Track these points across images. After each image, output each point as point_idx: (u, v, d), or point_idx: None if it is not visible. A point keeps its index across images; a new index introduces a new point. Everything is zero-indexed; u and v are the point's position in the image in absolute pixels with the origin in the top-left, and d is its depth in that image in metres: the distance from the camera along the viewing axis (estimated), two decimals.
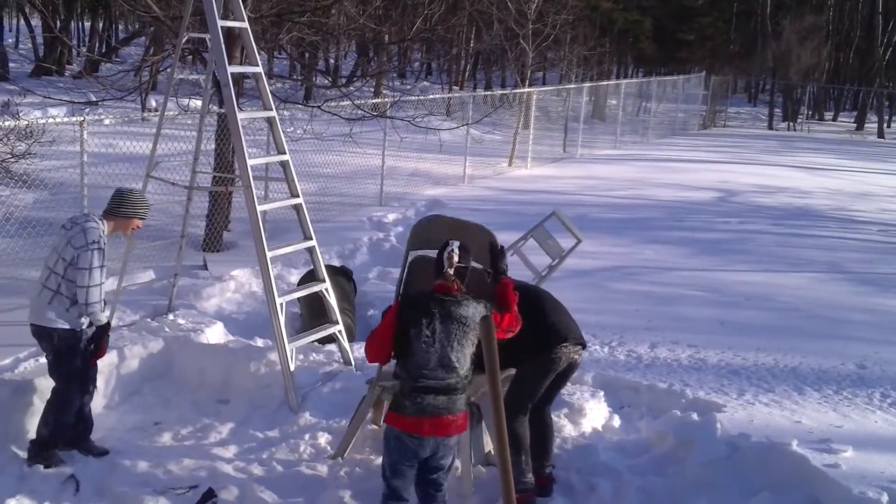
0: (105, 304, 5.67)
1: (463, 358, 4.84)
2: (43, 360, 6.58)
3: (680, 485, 5.65)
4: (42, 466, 5.60)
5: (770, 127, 36.32)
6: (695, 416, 6.27)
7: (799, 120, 37.59)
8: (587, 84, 26.40)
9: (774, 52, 39.33)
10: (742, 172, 20.23)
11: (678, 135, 29.72)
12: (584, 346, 5.80)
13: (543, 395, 5.70)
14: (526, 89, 21.56)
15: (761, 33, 42.82)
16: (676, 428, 6.18)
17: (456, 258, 4.99)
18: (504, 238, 9.20)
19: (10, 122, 9.01)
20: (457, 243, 5.09)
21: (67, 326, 5.55)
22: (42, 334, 5.64)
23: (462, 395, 4.88)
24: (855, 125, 38.41)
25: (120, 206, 5.81)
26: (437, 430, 4.77)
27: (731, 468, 5.65)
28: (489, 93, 27.80)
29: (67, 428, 5.70)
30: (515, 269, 8.41)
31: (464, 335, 4.82)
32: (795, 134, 34.29)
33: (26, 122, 9.52)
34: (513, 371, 5.72)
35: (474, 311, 4.86)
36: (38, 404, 6.15)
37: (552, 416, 6.03)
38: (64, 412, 5.64)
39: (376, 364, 7.15)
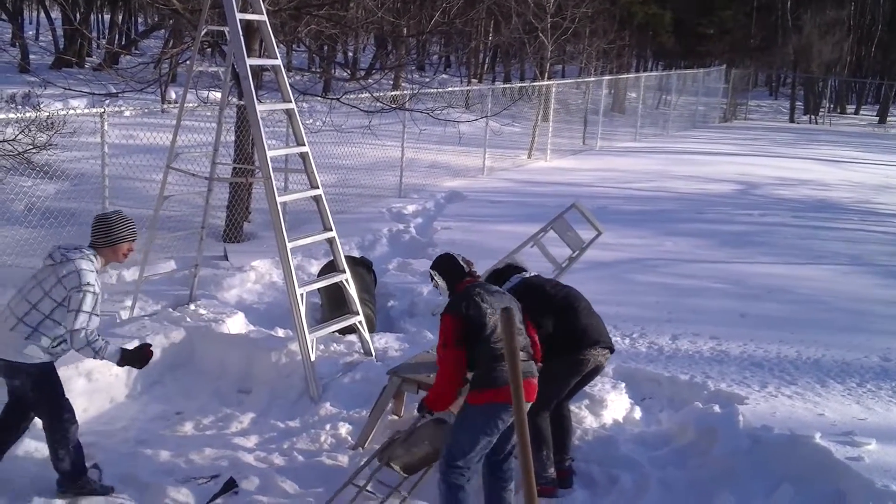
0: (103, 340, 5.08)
1: (521, 325, 5.07)
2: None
3: (701, 477, 5.62)
4: (89, 494, 5.29)
5: (791, 120, 36.08)
6: (717, 409, 6.22)
7: (821, 113, 37.30)
8: (607, 77, 26.25)
9: (795, 46, 39.01)
10: (763, 165, 20.10)
11: (699, 128, 29.57)
12: (612, 351, 5.80)
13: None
14: (545, 82, 21.49)
15: (782, 27, 42.48)
16: (698, 420, 6.14)
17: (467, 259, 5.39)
18: (524, 230, 9.23)
19: (31, 114, 9.05)
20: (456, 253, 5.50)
21: (45, 360, 5.05)
22: (15, 370, 5.03)
23: (532, 361, 5.01)
24: (877, 118, 38.05)
25: (107, 235, 5.21)
26: (525, 395, 4.66)
27: (753, 460, 5.61)
28: (508, 85, 27.73)
29: (81, 448, 5.28)
30: (536, 261, 8.45)
31: (511, 304, 5.08)
32: (817, 127, 34.03)
33: (47, 114, 9.57)
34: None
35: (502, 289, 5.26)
36: None
37: (571, 409, 6.02)
38: (70, 439, 5.18)
39: (398, 354, 7.21)
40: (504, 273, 6.08)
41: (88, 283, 4.88)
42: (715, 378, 7.02)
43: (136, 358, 5.28)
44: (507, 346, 3.22)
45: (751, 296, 9.41)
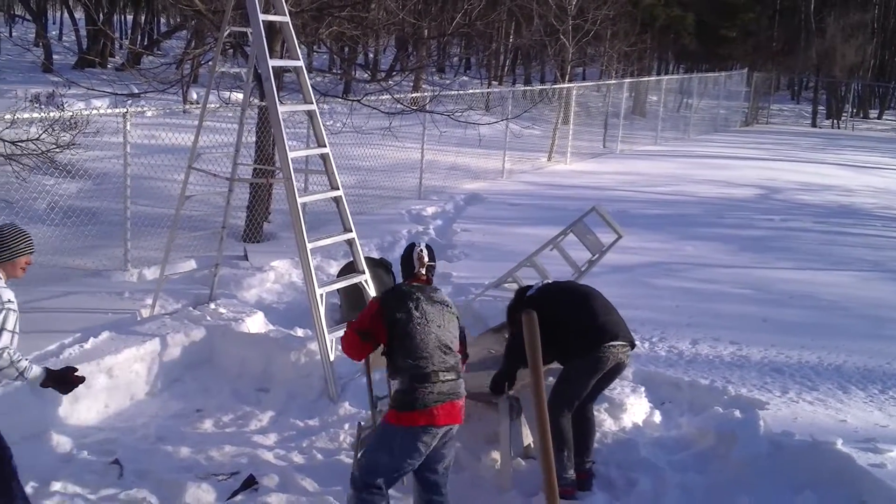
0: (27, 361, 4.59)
1: (456, 341, 4.84)
2: (87, 345, 6.68)
3: (721, 482, 5.58)
4: None
5: (814, 124, 35.84)
6: (737, 414, 6.18)
7: (843, 117, 37.05)
8: (628, 80, 26.18)
9: (818, 49, 38.75)
10: (785, 170, 19.99)
11: (720, 131, 29.45)
12: (632, 346, 5.76)
13: (588, 392, 5.67)
14: (566, 85, 21.46)
15: (805, 30, 42.23)
16: (718, 425, 6.10)
17: (426, 258, 5.15)
18: (544, 233, 9.21)
19: (55, 113, 9.12)
20: (424, 244, 5.27)
21: None
22: None
23: (462, 380, 4.75)
24: None
25: (4, 250, 4.67)
26: (451, 417, 4.61)
27: (773, 466, 5.58)
28: (529, 88, 27.70)
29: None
30: (555, 264, 8.44)
31: (450, 319, 4.84)
32: (839, 132, 33.80)
33: (71, 113, 9.65)
34: (554, 366, 5.70)
35: (449, 299, 4.99)
36: (82, 389, 6.18)
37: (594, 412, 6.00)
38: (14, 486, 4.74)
39: None
40: (520, 295, 6.09)
41: (9, 301, 4.50)
42: (735, 383, 6.99)
43: (61, 380, 4.78)
44: (529, 350, 3.20)
45: (772, 301, 9.36)
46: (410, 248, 5.22)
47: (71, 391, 4.91)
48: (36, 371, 4.60)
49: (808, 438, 5.77)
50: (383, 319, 4.73)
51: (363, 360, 5.12)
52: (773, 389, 6.89)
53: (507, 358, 5.86)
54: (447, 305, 4.89)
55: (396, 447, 4.59)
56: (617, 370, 5.69)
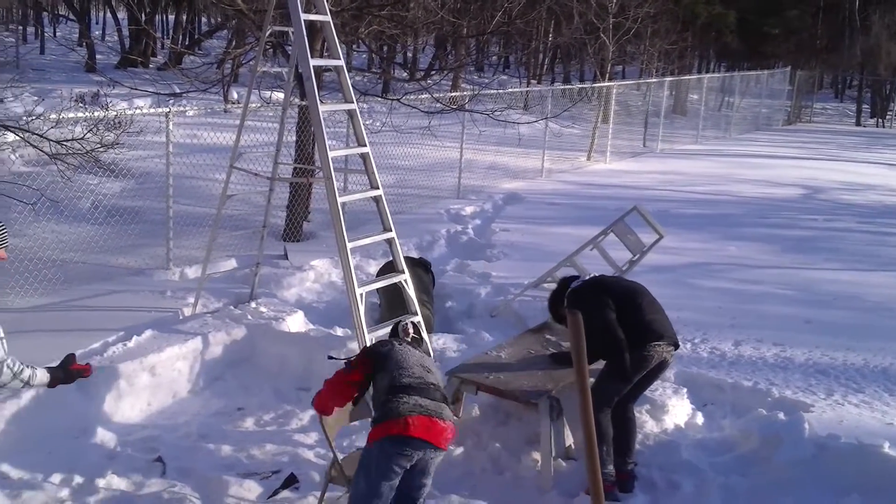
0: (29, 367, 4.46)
1: (438, 373, 4.90)
2: (131, 343, 6.76)
3: (764, 485, 5.51)
4: None
5: (858, 123, 35.26)
6: (781, 416, 6.11)
7: (888, 116, 36.40)
8: (668, 78, 25.96)
9: (863, 47, 38.16)
10: (828, 169, 19.68)
11: (762, 130, 29.10)
12: (676, 347, 5.72)
13: (630, 391, 5.63)
14: (606, 83, 21.33)
15: (849, 27, 41.61)
16: (762, 427, 6.03)
17: (410, 331, 5.23)
18: (584, 233, 9.16)
19: (99, 113, 9.23)
20: (410, 319, 5.57)
21: None
22: None
23: (447, 406, 4.65)
24: None
25: None
26: (427, 432, 4.43)
27: (818, 469, 5.50)
28: (569, 86, 27.58)
29: None
30: (595, 264, 8.38)
31: (435, 367, 4.96)
32: (884, 130, 33.22)
33: (115, 113, 9.76)
34: (595, 366, 5.67)
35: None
36: (126, 387, 6.32)
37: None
38: None
39: (456, 355, 7.20)
40: (563, 286, 6.07)
41: None
42: (779, 385, 6.89)
43: (67, 379, 4.73)
44: (574, 349, 3.18)
45: (816, 302, 9.22)
46: (397, 323, 5.36)
47: (75, 378, 4.87)
48: (41, 377, 4.48)
49: (854, 441, 5.68)
50: (368, 355, 4.91)
51: (321, 419, 5.08)
52: (818, 392, 6.79)
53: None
54: (428, 353, 5.09)
55: (373, 467, 4.48)
56: (660, 368, 5.65)
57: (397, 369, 4.64)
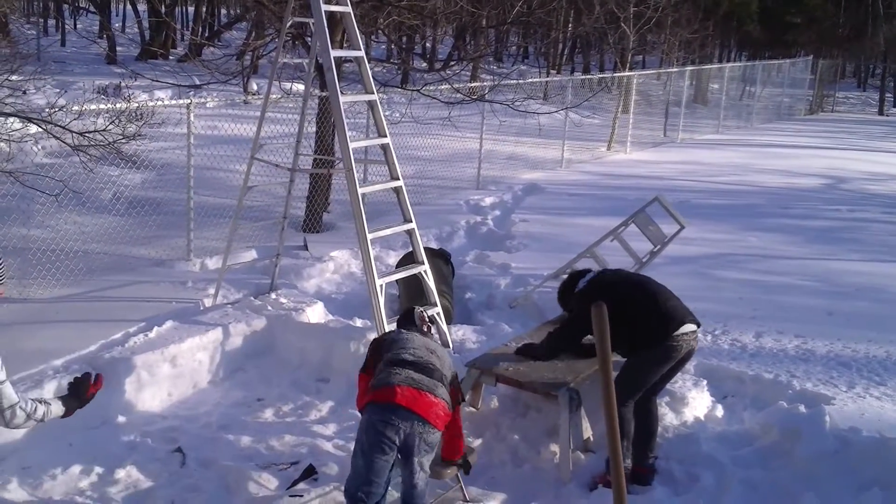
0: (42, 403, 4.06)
1: (448, 360, 4.99)
2: (152, 333, 6.79)
3: (785, 478, 5.47)
4: None
5: (881, 112, 34.90)
6: (802, 409, 6.05)
7: None
8: (689, 68, 25.79)
9: (886, 36, 37.77)
10: (851, 159, 19.50)
11: (783, 120, 28.88)
12: (699, 325, 5.66)
13: (655, 383, 5.59)
14: (626, 73, 21.22)
15: (872, 15, 41.16)
16: (783, 420, 5.98)
17: (426, 317, 5.42)
18: (604, 223, 9.13)
19: (121, 104, 9.27)
20: (428, 311, 5.71)
21: None
22: None
23: (444, 388, 4.74)
24: None
25: None
26: (413, 403, 4.49)
27: (839, 462, 5.45)
28: (589, 76, 27.46)
29: None
30: (616, 255, 8.36)
31: (443, 353, 5.04)
32: None
33: (136, 105, 9.80)
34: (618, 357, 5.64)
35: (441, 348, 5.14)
36: (147, 377, 6.36)
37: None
38: None
39: (476, 347, 7.20)
40: (574, 279, 6.06)
41: None
42: (800, 377, 6.84)
43: (81, 401, 4.25)
44: (598, 344, 3.16)
45: (838, 293, 9.14)
46: (410, 311, 5.45)
47: (89, 398, 4.30)
48: (56, 411, 4.10)
49: (876, 435, 5.63)
50: (373, 346, 5.12)
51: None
52: (840, 384, 6.73)
53: (554, 338, 5.87)
54: (434, 351, 5.00)
55: (363, 440, 4.55)
56: (687, 358, 5.61)
57: (399, 348, 4.83)
